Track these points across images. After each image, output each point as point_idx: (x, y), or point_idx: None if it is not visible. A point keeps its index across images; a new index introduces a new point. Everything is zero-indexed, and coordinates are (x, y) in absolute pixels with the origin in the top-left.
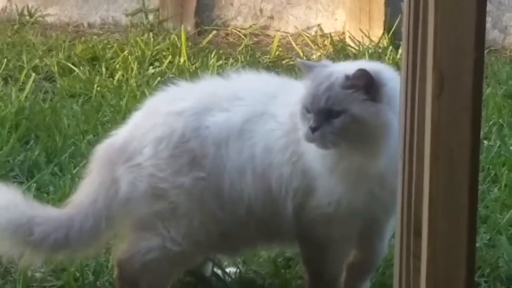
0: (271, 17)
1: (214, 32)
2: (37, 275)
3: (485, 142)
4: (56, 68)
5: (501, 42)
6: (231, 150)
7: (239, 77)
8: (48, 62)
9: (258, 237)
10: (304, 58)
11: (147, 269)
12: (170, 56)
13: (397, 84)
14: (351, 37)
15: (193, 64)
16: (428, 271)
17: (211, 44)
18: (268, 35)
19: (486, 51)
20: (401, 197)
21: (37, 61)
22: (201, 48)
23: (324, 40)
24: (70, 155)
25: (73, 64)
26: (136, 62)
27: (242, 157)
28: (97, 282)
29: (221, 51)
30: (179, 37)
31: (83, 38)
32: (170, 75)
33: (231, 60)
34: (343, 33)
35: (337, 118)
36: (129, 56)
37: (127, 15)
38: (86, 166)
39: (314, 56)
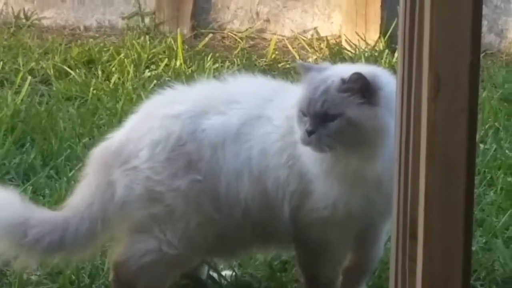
0: (268, 20)
1: (210, 35)
2: (33, 278)
3: (481, 145)
4: (52, 71)
5: (497, 45)
6: (227, 153)
7: (235, 81)
8: (44, 65)
9: (255, 240)
10: (301, 61)
11: (143, 272)
12: (166, 59)
13: (395, 88)
14: (347, 40)
15: (189, 67)
16: (424, 274)
17: (207, 47)
18: (264, 39)
19: (482, 54)
20: (397, 199)
21: (33, 64)
22: (197, 51)
23: (320, 44)
24: (66, 158)
25: (69, 67)
26: (132, 65)
27: (238, 160)
28: (93, 285)
29: (217, 54)
30: (175, 40)
31: (79, 41)
32: (166, 78)
33: (227, 63)
34: (340, 36)
35: (333, 121)
36: (125, 59)
37: (123, 18)
38: (82, 169)
39: (310, 60)
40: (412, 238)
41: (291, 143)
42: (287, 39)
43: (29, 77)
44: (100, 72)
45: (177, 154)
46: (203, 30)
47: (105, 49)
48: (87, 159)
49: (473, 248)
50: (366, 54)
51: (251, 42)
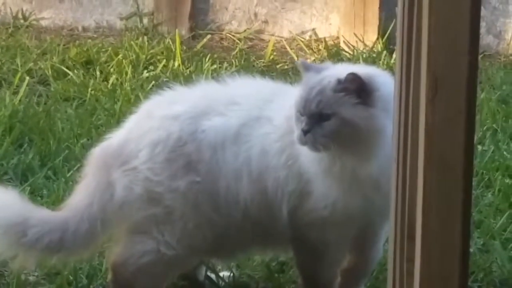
0: (266, 22)
1: (209, 36)
2: (31, 278)
3: (479, 147)
4: (50, 72)
5: (495, 47)
6: (227, 153)
7: (235, 82)
8: (42, 66)
9: (253, 241)
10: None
11: (141, 273)
12: (165, 60)
13: (392, 89)
14: (346, 41)
15: (187, 68)
16: (422, 275)
17: (206, 48)
18: (262, 40)
19: (480, 56)
20: (394, 201)
21: (31, 64)
22: (196, 52)
23: (318, 45)
24: (64, 159)
25: (67, 67)
26: (130, 66)
27: (238, 161)
28: (91, 286)
29: (215, 55)
30: (173, 41)
31: (77, 41)
32: (165, 79)
33: (225, 64)
34: (338, 37)
35: (328, 121)
36: (124, 60)
37: (121, 19)
38: (80, 169)
39: (308, 61)
40: (410, 239)
41: (290, 143)
42: (285, 40)
43: (27, 78)
44: (98, 73)
45: (176, 154)
46: (201, 31)
47: (103, 49)
48: (85, 159)
49: (471, 250)
50: (364, 56)
51: (249, 43)
